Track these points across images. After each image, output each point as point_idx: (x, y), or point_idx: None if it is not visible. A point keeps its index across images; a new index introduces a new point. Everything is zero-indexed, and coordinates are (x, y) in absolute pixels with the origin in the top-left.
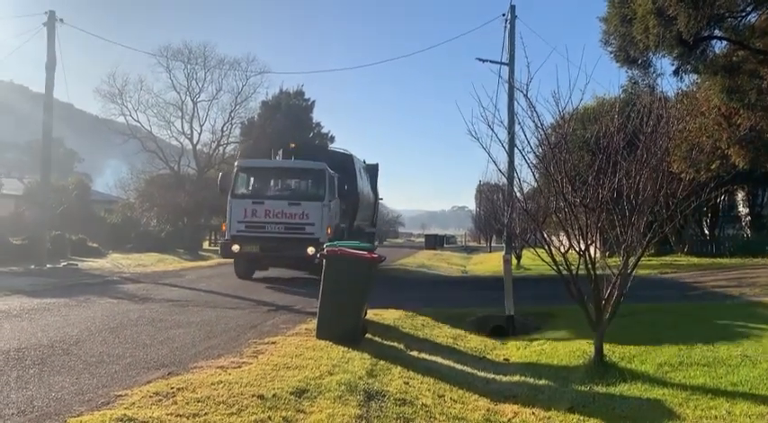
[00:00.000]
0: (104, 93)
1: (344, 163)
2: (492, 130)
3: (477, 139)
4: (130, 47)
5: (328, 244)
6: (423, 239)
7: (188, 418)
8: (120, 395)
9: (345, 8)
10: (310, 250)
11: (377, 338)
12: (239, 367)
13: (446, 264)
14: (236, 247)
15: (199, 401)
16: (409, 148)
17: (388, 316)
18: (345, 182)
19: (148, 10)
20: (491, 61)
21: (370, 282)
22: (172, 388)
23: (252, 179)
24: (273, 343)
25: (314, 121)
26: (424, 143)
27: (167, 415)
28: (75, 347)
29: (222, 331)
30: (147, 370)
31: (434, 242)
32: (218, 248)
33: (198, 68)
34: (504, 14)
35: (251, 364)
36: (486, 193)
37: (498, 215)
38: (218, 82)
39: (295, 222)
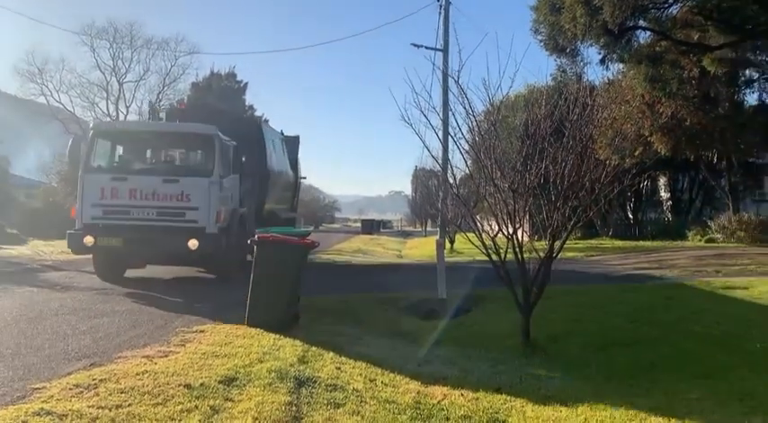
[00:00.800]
0: (23, 71)
1: (250, 130)
2: (425, 116)
3: (411, 125)
4: (53, 25)
5: (260, 230)
6: (359, 224)
7: (110, 409)
8: (38, 388)
9: None
10: (192, 244)
11: (310, 325)
12: (166, 356)
13: (382, 248)
14: (88, 240)
15: (122, 392)
16: (347, 133)
17: (322, 302)
18: (251, 154)
19: None
20: (426, 47)
21: (301, 268)
22: (94, 379)
23: (115, 149)
24: (202, 331)
25: (246, 103)
26: (362, 128)
27: (89, 407)
28: None
29: (148, 320)
30: (67, 361)
31: (371, 227)
32: None
33: (124, 48)
34: (438, 0)
35: (178, 353)
36: (421, 178)
37: (433, 200)
38: (146, 62)
39: (171, 206)
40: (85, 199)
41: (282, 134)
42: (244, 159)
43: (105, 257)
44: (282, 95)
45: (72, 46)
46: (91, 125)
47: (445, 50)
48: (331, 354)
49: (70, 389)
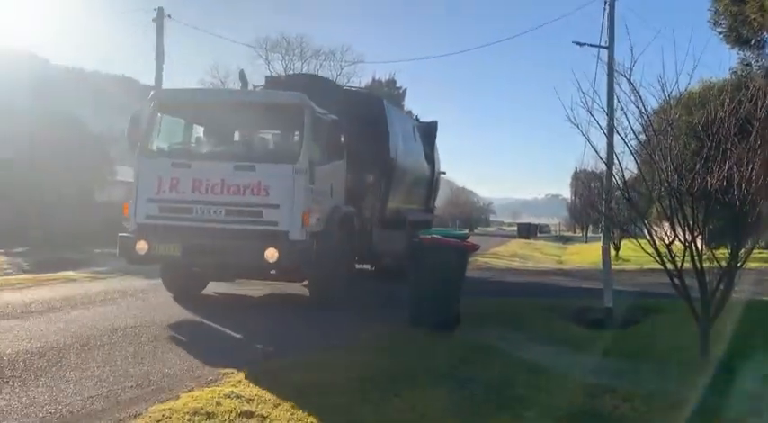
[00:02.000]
0: (208, 84)
1: (369, 110)
2: (592, 115)
3: (577, 126)
4: (231, 39)
5: (423, 232)
6: (514, 228)
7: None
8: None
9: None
10: (270, 255)
11: (471, 327)
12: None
13: (540, 253)
14: (142, 247)
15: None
16: (499, 134)
17: (482, 305)
18: (369, 139)
19: (246, 2)
20: (589, 45)
21: (462, 270)
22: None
23: (180, 126)
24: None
25: (405, 108)
26: (515, 130)
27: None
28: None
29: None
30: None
31: (527, 231)
32: None
33: (295, 59)
34: None
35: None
36: (582, 180)
37: (596, 204)
38: (315, 72)
39: (244, 202)
40: (141, 192)
41: (417, 119)
42: (369, 147)
43: (172, 268)
44: (439, 99)
45: (249, 59)
46: (150, 94)
47: (610, 47)
48: (493, 356)
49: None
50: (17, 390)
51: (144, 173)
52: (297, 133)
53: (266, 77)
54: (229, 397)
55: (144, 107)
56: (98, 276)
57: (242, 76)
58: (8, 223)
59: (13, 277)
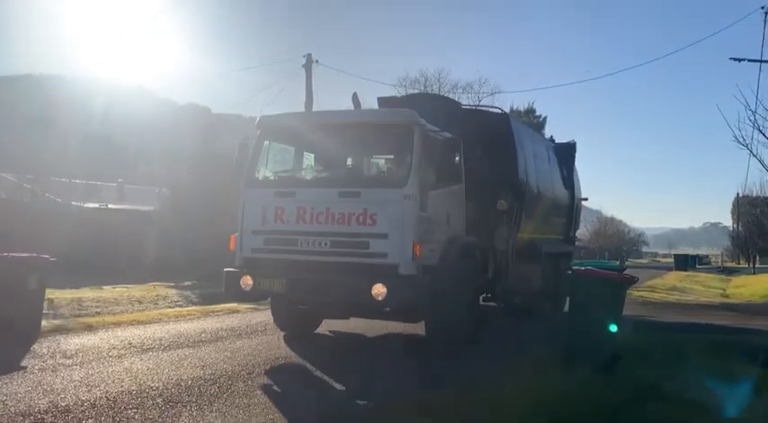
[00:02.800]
0: None
1: (493, 128)
2: (762, 133)
3: (746, 145)
4: (373, 79)
5: (576, 263)
6: (670, 259)
7: None
8: None
9: (572, 23)
10: (377, 291)
11: (632, 365)
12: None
13: (701, 286)
14: (246, 283)
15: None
16: (649, 160)
17: (643, 340)
18: (492, 159)
19: (385, 45)
20: (748, 60)
21: (620, 304)
22: None
23: (289, 153)
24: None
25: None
26: (665, 154)
27: None
28: None
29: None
30: None
31: (685, 263)
32: None
33: None
34: (762, 7)
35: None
36: (746, 206)
37: (765, 230)
38: None
39: (350, 232)
40: (246, 224)
41: (553, 140)
42: (496, 168)
43: (281, 305)
44: (583, 125)
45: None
46: (257, 120)
47: None
48: (664, 398)
49: None
50: (194, 414)
51: (248, 203)
52: (408, 155)
53: (379, 98)
54: None
55: (251, 134)
56: (259, 308)
57: (355, 99)
58: (176, 260)
59: (184, 309)
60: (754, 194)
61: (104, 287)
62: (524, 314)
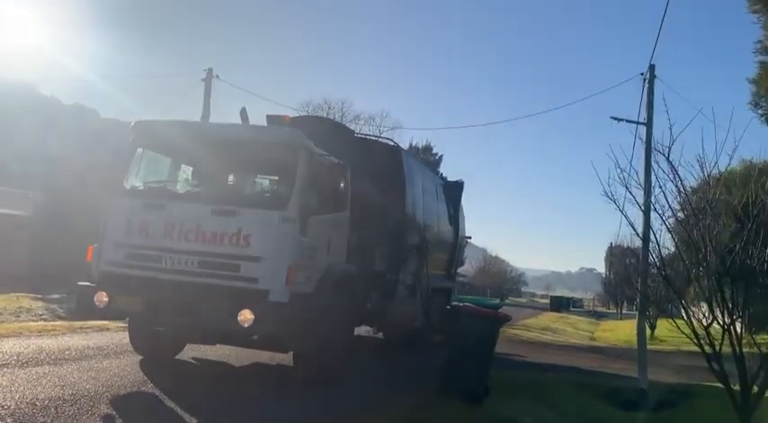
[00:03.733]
0: None
1: (384, 158)
2: (629, 191)
3: (614, 201)
4: (275, 101)
5: (458, 298)
6: (547, 300)
7: None
8: None
9: (479, 70)
10: (244, 317)
11: (499, 401)
12: None
13: (572, 328)
14: (101, 299)
15: None
16: (535, 205)
17: (511, 378)
18: (382, 192)
19: (290, 69)
20: (627, 120)
21: (494, 340)
22: None
23: (165, 164)
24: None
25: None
26: (551, 200)
27: None
28: None
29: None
30: None
31: (560, 304)
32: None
33: None
34: (642, 74)
35: None
36: (617, 255)
37: (632, 280)
38: None
39: (221, 253)
40: (108, 234)
41: (443, 177)
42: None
43: (139, 327)
44: (476, 166)
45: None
46: (132, 124)
47: (649, 124)
48: None
49: None
50: None
51: (113, 213)
52: (292, 177)
53: (268, 116)
54: None
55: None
56: None
57: (243, 114)
58: (47, 270)
59: (49, 323)
60: (625, 245)
61: None
62: (404, 346)
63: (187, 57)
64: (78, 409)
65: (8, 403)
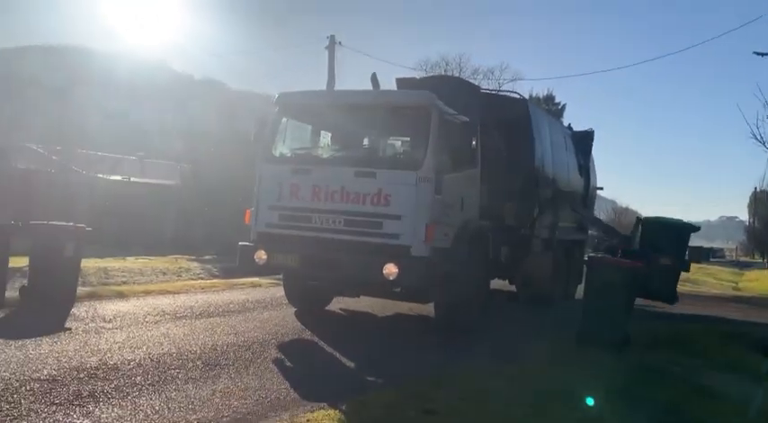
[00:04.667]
0: None
1: (511, 113)
2: None
3: (763, 143)
4: (395, 63)
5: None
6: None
7: None
8: None
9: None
10: (389, 271)
11: (642, 350)
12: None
13: (713, 279)
14: (261, 257)
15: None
16: (668, 151)
17: (654, 328)
18: (509, 144)
19: (406, 29)
20: None
21: (633, 290)
22: None
23: (307, 131)
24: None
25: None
26: (684, 147)
27: None
28: None
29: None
30: None
31: (698, 255)
32: None
33: None
34: None
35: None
36: (763, 201)
37: None
38: None
39: (364, 211)
40: (262, 199)
41: (570, 127)
42: (512, 153)
43: (293, 281)
44: (602, 115)
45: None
46: (275, 97)
47: None
48: (670, 380)
49: None
50: (233, 375)
51: (265, 179)
52: (425, 138)
53: (397, 79)
54: None
55: (270, 111)
56: (280, 282)
57: (374, 79)
58: (195, 234)
59: (207, 281)
60: None
61: (127, 258)
62: (539, 300)
63: (307, 27)
64: (252, 353)
65: (194, 349)
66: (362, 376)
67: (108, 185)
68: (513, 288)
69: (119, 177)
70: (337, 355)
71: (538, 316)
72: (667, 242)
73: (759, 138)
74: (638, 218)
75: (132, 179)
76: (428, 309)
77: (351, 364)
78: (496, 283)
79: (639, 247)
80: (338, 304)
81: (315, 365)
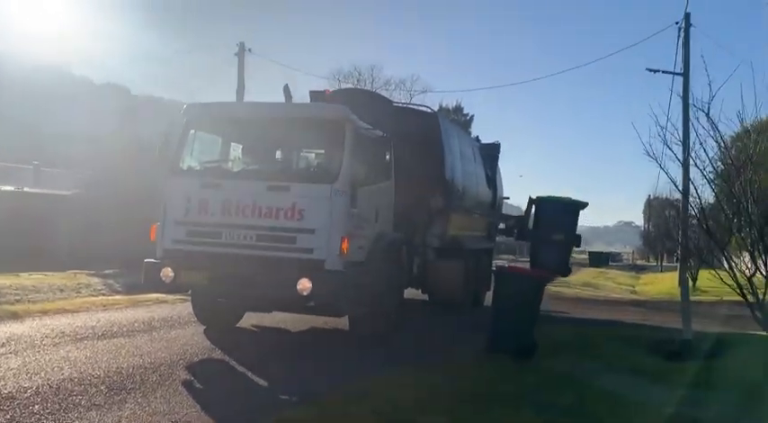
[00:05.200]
0: None
1: (422, 126)
2: (670, 149)
3: (655, 159)
4: (306, 71)
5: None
6: (585, 256)
7: None
8: None
9: (507, 25)
10: (302, 286)
11: (547, 355)
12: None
13: (612, 283)
14: (168, 275)
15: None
16: (569, 160)
17: (558, 333)
18: (422, 157)
19: (318, 37)
20: (663, 71)
21: (539, 298)
22: None
23: (217, 144)
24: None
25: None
26: (584, 155)
27: None
28: None
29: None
30: None
31: (599, 260)
32: None
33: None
34: (677, 23)
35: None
36: (656, 208)
37: (672, 232)
38: None
39: (277, 226)
40: (169, 214)
41: (478, 140)
42: (422, 166)
43: (202, 298)
44: (507, 126)
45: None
46: (183, 108)
47: (686, 74)
48: (572, 385)
49: None
50: (140, 400)
51: (172, 193)
52: (340, 151)
53: (311, 91)
54: None
55: (177, 122)
56: (187, 298)
57: (286, 91)
58: (96, 247)
59: (110, 298)
60: (664, 196)
61: (21, 274)
62: (450, 307)
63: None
64: (160, 375)
65: (97, 372)
66: (276, 395)
67: None
68: (425, 297)
69: (11, 188)
70: (249, 374)
71: (449, 324)
72: (559, 219)
73: (651, 154)
74: (530, 198)
75: (26, 189)
76: (342, 322)
77: (264, 383)
78: (408, 292)
79: (533, 225)
80: (250, 320)
81: (226, 386)
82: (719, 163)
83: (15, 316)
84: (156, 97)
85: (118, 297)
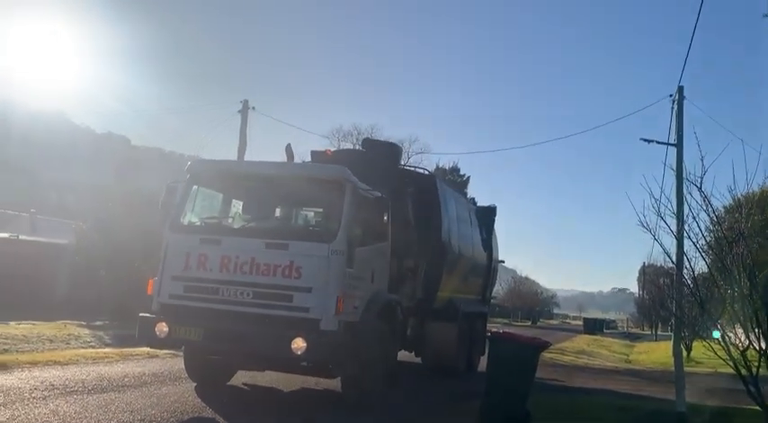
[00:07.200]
0: None
1: (419, 188)
2: (664, 221)
3: (649, 231)
4: (307, 130)
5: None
6: (579, 322)
7: None
8: None
9: (507, 91)
10: (297, 346)
11: None
12: None
13: (607, 351)
14: (162, 330)
15: None
16: (564, 226)
17: (551, 402)
18: (419, 219)
19: (321, 99)
20: (657, 142)
21: (534, 366)
22: None
23: (218, 200)
24: None
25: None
26: (580, 221)
27: None
28: None
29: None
30: None
31: (594, 327)
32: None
33: None
34: (671, 95)
35: None
36: (650, 275)
37: (665, 301)
38: None
39: (274, 283)
40: (167, 269)
41: (474, 203)
42: (418, 229)
43: (195, 355)
44: (503, 189)
45: (323, 146)
46: (187, 166)
47: (679, 146)
48: None
49: None
50: None
51: (171, 248)
52: (338, 211)
53: (312, 151)
54: None
55: (180, 178)
56: (178, 354)
57: (288, 150)
58: (89, 297)
59: (100, 350)
60: (658, 265)
61: (10, 323)
62: (443, 371)
63: (220, 88)
64: None
65: None
66: None
67: None
68: (418, 360)
69: (6, 235)
70: None
71: (442, 388)
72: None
73: (645, 225)
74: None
75: (21, 237)
76: (335, 383)
77: None
78: (402, 355)
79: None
80: (242, 378)
81: None
82: (712, 236)
83: (4, 366)
84: (155, 149)
85: (108, 349)
